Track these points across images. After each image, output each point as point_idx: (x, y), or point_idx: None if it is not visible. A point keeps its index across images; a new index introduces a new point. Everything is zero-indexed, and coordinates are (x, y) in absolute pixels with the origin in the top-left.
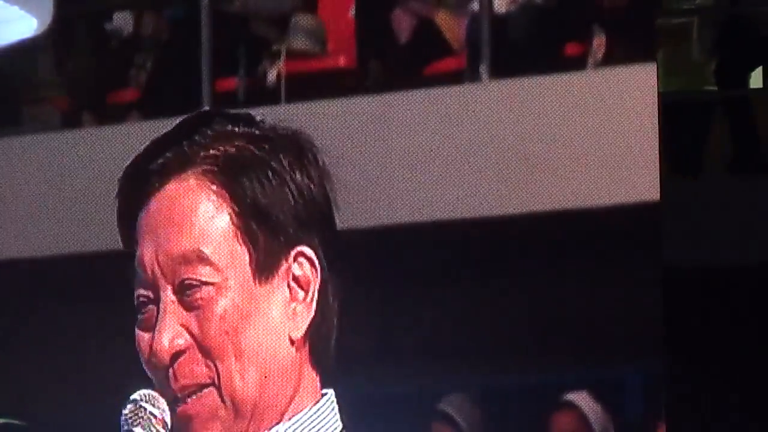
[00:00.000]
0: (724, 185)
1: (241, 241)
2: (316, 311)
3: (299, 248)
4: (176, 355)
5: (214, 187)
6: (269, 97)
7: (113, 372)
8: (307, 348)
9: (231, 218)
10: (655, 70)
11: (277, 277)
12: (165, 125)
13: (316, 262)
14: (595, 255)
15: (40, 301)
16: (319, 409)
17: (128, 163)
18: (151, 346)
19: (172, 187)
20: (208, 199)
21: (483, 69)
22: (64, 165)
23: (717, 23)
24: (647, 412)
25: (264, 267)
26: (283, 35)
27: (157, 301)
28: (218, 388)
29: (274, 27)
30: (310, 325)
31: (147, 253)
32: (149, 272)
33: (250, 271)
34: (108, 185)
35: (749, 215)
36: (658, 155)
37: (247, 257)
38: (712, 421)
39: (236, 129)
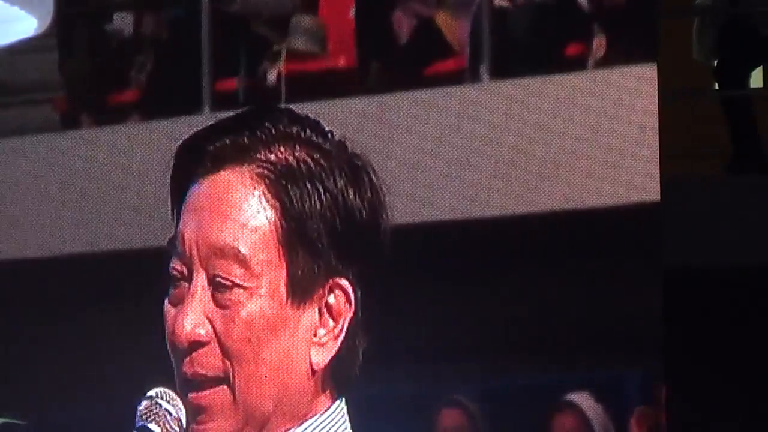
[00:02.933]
0: (724, 185)
1: (280, 253)
2: (342, 344)
3: (336, 280)
4: (195, 344)
5: (266, 193)
6: (269, 97)
7: (115, 372)
8: (327, 377)
9: (275, 228)
10: (655, 70)
11: (309, 301)
12: (165, 126)
13: (352, 296)
14: (595, 255)
15: (40, 302)
16: (329, 416)
17: (185, 139)
18: (174, 325)
19: (226, 175)
20: (259, 203)
21: (483, 69)
22: (64, 165)
23: (717, 23)
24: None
25: (298, 287)
26: (283, 36)
27: (189, 279)
28: (231, 387)
29: (274, 27)
30: (334, 356)
31: (188, 231)
32: (187, 250)
33: (284, 286)
34: (108, 186)
35: (749, 215)
36: (658, 155)
37: (283, 272)
38: (712, 422)
39: (302, 134)
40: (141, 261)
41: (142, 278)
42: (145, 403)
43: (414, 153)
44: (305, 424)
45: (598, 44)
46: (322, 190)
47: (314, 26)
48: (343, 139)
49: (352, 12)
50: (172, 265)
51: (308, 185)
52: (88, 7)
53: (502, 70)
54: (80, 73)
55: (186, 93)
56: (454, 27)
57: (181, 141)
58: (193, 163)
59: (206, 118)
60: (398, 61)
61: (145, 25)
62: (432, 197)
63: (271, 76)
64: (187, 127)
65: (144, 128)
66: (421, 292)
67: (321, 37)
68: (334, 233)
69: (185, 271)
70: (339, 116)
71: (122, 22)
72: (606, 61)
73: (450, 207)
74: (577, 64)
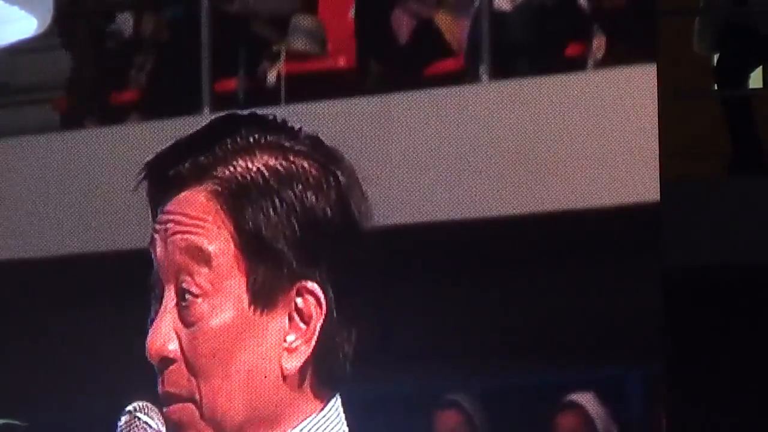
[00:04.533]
0: (724, 185)
1: (239, 263)
2: (316, 346)
3: (303, 283)
4: (165, 360)
5: (220, 211)
6: (269, 97)
7: (113, 372)
8: (311, 380)
9: (233, 241)
10: (655, 70)
11: (275, 307)
12: (165, 126)
13: (322, 298)
14: (595, 255)
15: (40, 302)
16: (324, 416)
17: (148, 159)
18: (148, 342)
19: (186, 195)
20: (214, 221)
21: (483, 70)
22: (64, 165)
23: (717, 23)
24: (649, 413)
25: (261, 294)
26: (283, 36)
27: (162, 296)
28: (197, 405)
29: (274, 27)
30: (310, 359)
31: (158, 251)
32: (159, 267)
33: (246, 295)
34: (108, 186)
35: (749, 215)
36: (657, 155)
37: (244, 280)
38: (712, 422)
39: (261, 140)
40: (140, 261)
41: (141, 278)
42: (124, 418)
43: (413, 153)
44: (299, 427)
45: (598, 44)
46: (277, 200)
47: (314, 26)
48: (315, 134)
49: (351, 12)
50: (153, 285)
51: (262, 197)
52: (88, 7)
53: (501, 71)
54: (80, 74)
55: (186, 93)
56: (453, 27)
57: (144, 163)
58: (159, 186)
59: (206, 119)
60: (397, 61)
61: (145, 25)
62: (431, 197)
63: (271, 76)
64: (187, 127)
65: (144, 128)
66: (420, 293)
67: (321, 37)
68: (295, 239)
69: (160, 289)
70: (338, 116)
71: (122, 22)
72: (606, 62)
73: (449, 207)
74: (577, 65)
